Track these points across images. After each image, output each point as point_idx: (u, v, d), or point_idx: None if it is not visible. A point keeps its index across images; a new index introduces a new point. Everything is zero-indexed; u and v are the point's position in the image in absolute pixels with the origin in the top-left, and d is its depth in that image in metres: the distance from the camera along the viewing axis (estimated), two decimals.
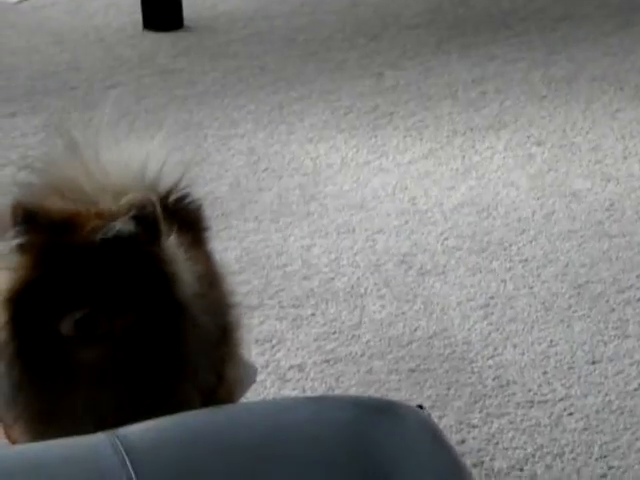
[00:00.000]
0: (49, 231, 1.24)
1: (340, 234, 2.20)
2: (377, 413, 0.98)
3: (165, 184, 1.40)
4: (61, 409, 1.25)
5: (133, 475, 0.81)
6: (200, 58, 2.90)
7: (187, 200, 1.44)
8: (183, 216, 1.41)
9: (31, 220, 1.24)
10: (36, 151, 2.45)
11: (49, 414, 1.26)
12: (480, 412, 1.72)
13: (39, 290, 1.23)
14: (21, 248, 1.24)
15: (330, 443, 0.91)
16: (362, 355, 1.86)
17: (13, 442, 1.39)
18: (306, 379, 1.81)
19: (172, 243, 1.29)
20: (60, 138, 1.43)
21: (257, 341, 1.89)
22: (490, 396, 1.75)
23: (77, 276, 1.22)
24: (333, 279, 2.07)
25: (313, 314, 1.97)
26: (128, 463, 0.82)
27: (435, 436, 0.97)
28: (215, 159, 2.44)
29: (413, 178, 2.37)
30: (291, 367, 1.83)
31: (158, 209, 1.26)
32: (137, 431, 0.88)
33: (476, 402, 1.74)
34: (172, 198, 1.41)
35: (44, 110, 2.62)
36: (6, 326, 1.24)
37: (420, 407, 1.01)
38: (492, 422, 1.69)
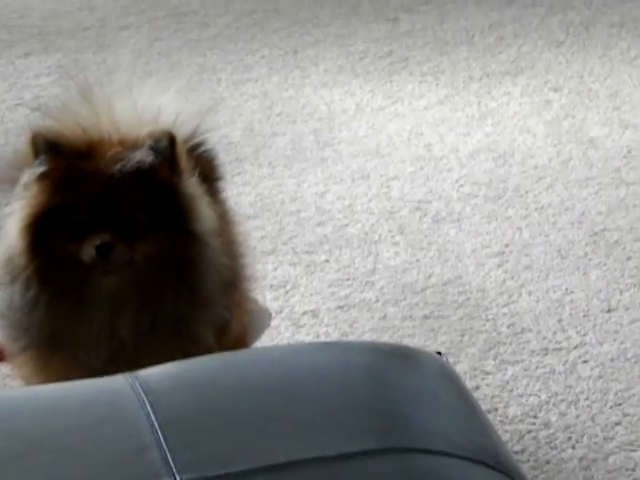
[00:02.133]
0: (71, 159, 1.25)
1: (354, 180, 2.19)
2: (395, 358, 0.98)
3: (179, 135, 1.40)
4: (74, 333, 1.26)
5: (152, 416, 0.81)
6: (213, 0, 2.86)
7: (201, 149, 1.43)
8: (197, 165, 1.41)
9: (52, 149, 1.25)
10: (49, 92, 2.45)
11: (61, 338, 1.26)
12: (494, 359, 1.71)
13: (59, 215, 1.24)
14: (43, 176, 1.25)
15: (349, 386, 0.91)
16: (376, 301, 1.86)
17: (22, 380, 1.39)
18: (320, 325, 1.81)
19: (194, 181, 1.29)
20: (74, 82, 1.42)
21: (271, 286, 1.88)
22: (504, 343, 1.74)
23: (98, 203, 1.23)
24: (347, 225, 2.06)
25: (327, 260, 1.96)
26: (147, 405, 0.82)
27: (453, 382, 0.96)
28: (228, 103, 2.42)
29: (429, 124, 2.35)
30: (305, 313, 1.83)
31: (178, 143, 1.27)
32: (156, 373, 0.87)
33: (490, 349, 1.73)
34: (186, 147, 1.41)
35: (57, 50, 2.60)
36: (25, 250, 1.25)
37: (439, 354, 1.01)
38: (506, 369, 1.69)
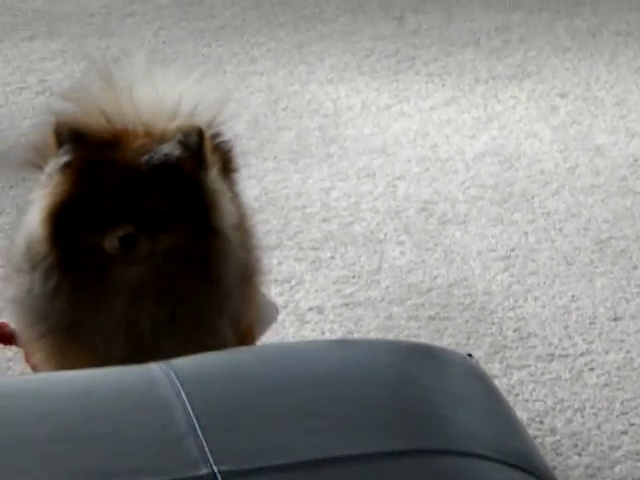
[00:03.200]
0: (95, 148, 1.23)
1: (360, 178, 2.17)
2: (427, 358, 0.96)
3: (198, 123, 1.39)
4: (94, 323, 1.25)
5: (188, 406, 0.80)
6: None
7: (219, 139, 1.42)
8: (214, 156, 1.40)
9: (77, 138, 1.23)
10: (53, 77, 2.42)
11: (80, 327, 1.25)
12: (500, 363, 1.70)
13: (82, 205, 1.23)
14: (67, 165, 1.23)
15: (382, 385, 0.90)
16: (381, 300, 1.84)
17: (33, 368, 1.38)
18: (325, 321, 1.79)
19: (216, 174, 1.28)
20: (95, 69, 1.40)
21: (276, 281, 1.86)
22: (510, 347, 1.74)
23: (121, 193, 1.22)
24: (352, 223, 2.04)
25: (332, 257, 1.95)
26: (183, 394, 0.81)
27: (486, 384, 0.95)
28: (233, 96, 2.41)
29: (434, 125, 2.34)
30: (310, 309, 1.81)
31: (207, 138, 1.26)
32: (190, 364, 0.86)
33: (496, 353, 1.72)
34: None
35: (62, 35, 2.57)
36: (47, 239, 1.23)
37: (469, 355, 1.00)
38: (512, 374, 1.68)
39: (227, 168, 1.44)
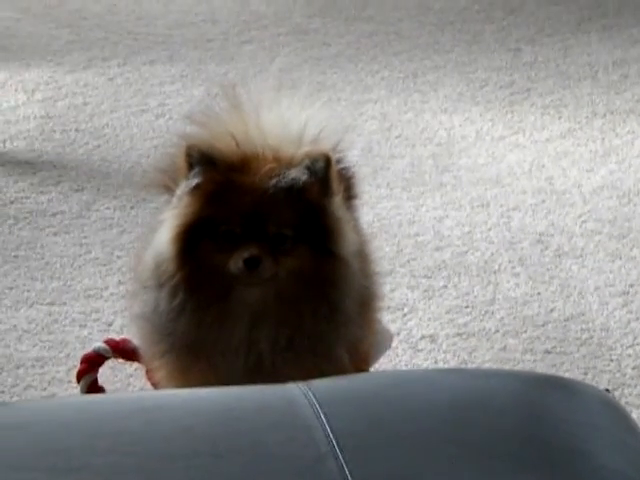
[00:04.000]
0: (224, 171, 1.25)
1: (474, 208, 2.16)
2: (560, 389, 0.95)
3: (325, 150, 1.40)
4: (216, 342, 1.26)
5: (327, 427, 0.79)
6: (335, 20, 2.86)
7: (341, 165, 1.43)
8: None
9: (207, 161, 1.25)
10: (173, 100, 2.47)
11: (202, 346, 1.27)
12: (619, 400, 1.67)
13: (210, 226, 1.25)
14: (197, 187, 1.25)
15: (520, 415, 0.88)
16: (496, 332, 1.82)
17: (154, 385, 1.39)
18: (438, 350, 1.78)
19: (340, 201, 1.29)
20: (224, 94, 1.43)
21: (389, 308, 1.86)
22: (629, 385, 1.70)
23: (249, 216, 1.24)
24: (466, 252, 2.03)
25: (445, 286, 1.93)
26: (322, 415, 0.80)
27: (626, 419, 0.93)
28: (348, 123, 2.42)
29: (550, 157, 2.31)
30: (423, 337, 1.80)
31: (334, 165, 1.27)
32: (328, 385, 0.86)
33: (615, 390, 1.69)
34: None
35: (181, 60, 2.62)
36: (175, 258, 1.26)
37: (607, 390, 0.98)
38: (631, 411, 1.64)
39: (348, 195, 1.45)
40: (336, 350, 1.29)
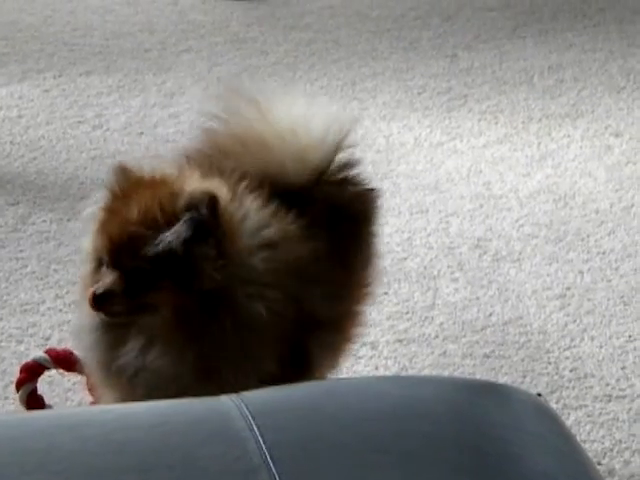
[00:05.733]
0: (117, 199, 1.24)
1: (413, 214, 2.17)
2: (497, 396, 0.96)
3: (344, 147, 1.39)
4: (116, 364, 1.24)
5: (260, 439, 0.79)
6: (273, 29, 2.87)
7: (349, 171, 1.40)
8: (343, 197, 1.37)
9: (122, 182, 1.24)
10: (110, 112, 2.45)
11: (106, 367, 1.25)
12: (557, 403, 1.68)
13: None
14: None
15: (453, 422, 0.89)
16: (436, 337, 1.83)
17: (94, 397, 1.38)
18: (379, 357, 1.78)
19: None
20: (238, 94, 1.41)
21: None
22: (567, 387, 1.72)
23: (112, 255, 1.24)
24: (406, 259, 2.04)
25: (386, 293, 1.94)
26: (255, 427, 0.80)
27: (558, 424, 0.94)
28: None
29: (488, 162, 2.33)
30: (364, 344, 1.81)
31: (219, 207, 1.22)
32: (261, 396, 0.86)
33: (552, 392, 1.71)
34: (340, 175, 1.39)
35: (118, 70, 2.60)
36: (86, 277, 1.28)
37: (539, 395, 0.99)
38: (569, 414, 1.66)
39: (356, 218, 1.41)
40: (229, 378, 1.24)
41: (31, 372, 1.53)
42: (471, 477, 0.82)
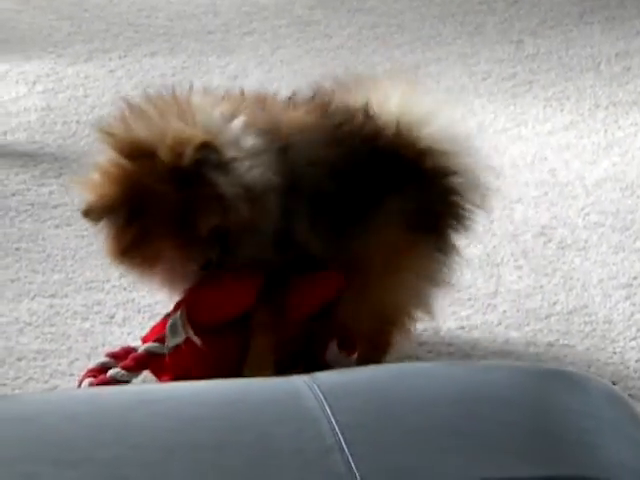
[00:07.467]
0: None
1: None
2: (568, 382, 0.94)
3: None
4: None
5: (333, 420, 0.79)
6: (336, 12, 2.85)
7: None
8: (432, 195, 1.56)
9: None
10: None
11: None
12: (622, 393, 1.66)
13: None
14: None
15: (520, 407, 0.88)
16: (498, 325, 1.82)
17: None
18: (441, 344, 1.77)
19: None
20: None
21: None
22: (632, 378, 1.69)
23: None
24: (469, 245, 2.02)
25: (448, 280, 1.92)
26: (327, 408, 0.80)
27: (628, 412, 0.92)
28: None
29: (553, 149, 2.30)
30: (426, 330, 1.80)
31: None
32: (332, 377, 0.85)
33: (617, 383, 1.68)
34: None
35: (182, 52, 2.61)
36: None
37: (613, 384, 0.97)
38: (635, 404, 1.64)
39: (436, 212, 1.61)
40: None
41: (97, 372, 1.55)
42: (545, 464, 0.81)
